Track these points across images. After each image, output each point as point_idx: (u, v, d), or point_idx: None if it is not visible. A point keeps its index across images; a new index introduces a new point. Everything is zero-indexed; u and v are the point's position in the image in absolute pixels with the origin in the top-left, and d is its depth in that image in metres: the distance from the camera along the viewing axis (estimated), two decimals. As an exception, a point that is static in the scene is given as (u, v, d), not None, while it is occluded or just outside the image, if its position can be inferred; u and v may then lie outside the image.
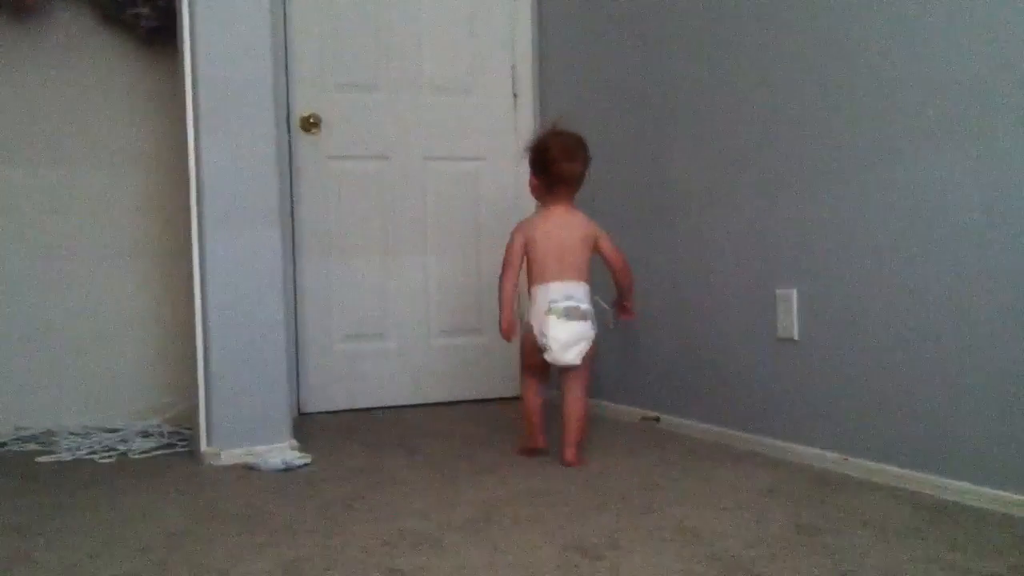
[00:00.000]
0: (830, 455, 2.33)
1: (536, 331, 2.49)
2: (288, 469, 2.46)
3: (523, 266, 2.62)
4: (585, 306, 2.50)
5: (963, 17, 1.98)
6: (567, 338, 2.45)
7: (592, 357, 2.55)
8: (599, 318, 2.63)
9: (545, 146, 2.61)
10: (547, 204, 2.63)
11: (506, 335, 2.58)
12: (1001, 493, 1.90)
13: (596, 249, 2.59)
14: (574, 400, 2.52)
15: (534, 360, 2.56)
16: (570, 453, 2.48)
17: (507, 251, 2.60)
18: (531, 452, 2.61)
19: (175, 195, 2.97)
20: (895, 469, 2.14)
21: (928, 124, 2.06)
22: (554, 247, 2.53)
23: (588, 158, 2.61)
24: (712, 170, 2.75)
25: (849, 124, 2.27)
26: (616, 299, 2.74)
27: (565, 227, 2.56)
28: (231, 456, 2.55)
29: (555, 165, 2.57)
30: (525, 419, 2.64)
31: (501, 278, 2.61)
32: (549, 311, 2.47)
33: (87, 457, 2.70)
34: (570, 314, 2.46)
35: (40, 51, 3.15)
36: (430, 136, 3.56)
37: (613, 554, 1.68)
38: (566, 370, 2.52)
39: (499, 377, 3.63)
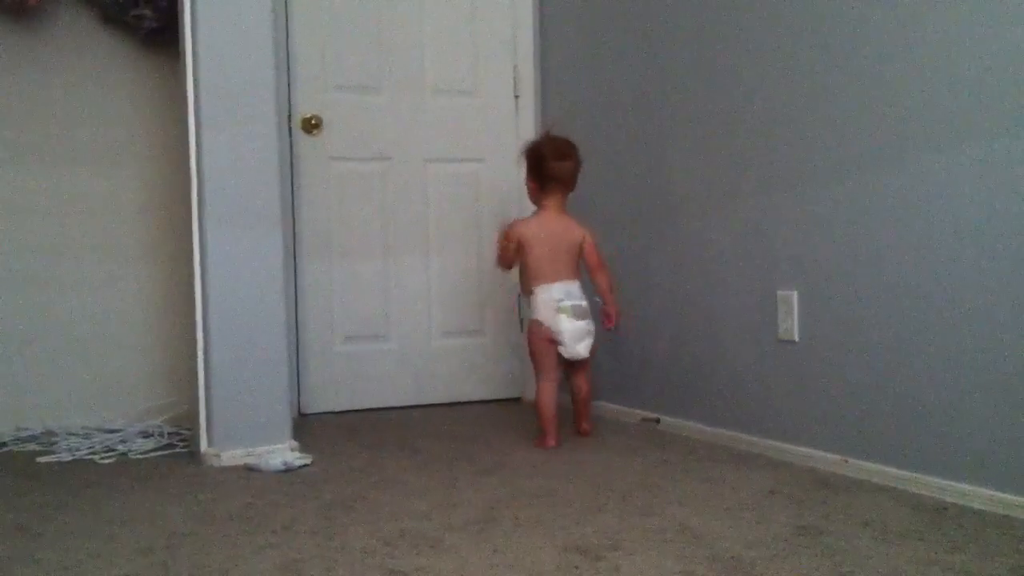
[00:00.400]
0: (831, 456, 2.33)
1: (550, 328, 2.72)
2: (288, 470, 2.46)
3: (515, 263, 2.88)
4: (585, 304, 2.77)
5: (964, 18, 1.98)
6: (578, 333, 2.72)
7: (593, 351, 2.82)
8: (597, 315, 2.84)
9: (538, 148, 2.84)
10: (541, 207, 2.83)
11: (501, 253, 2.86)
12: (1002, 495, 1.90)
13: (578, 251, 2.80)
14: (582, 382, 2.83)
15: (548, 356, 2.75)
16: (585, 427, 2.85)
17: (501, 249, 2.83)
18: (543, 446, 2.72)
19: (176, 196, 2.97)
20: (895, 470, 2.14)
21: (929, 125, 2.06)
22: (550, 249, 2.76)
23: (579, 160, 2.84)
24: (713, 171, 2.75)
25: (850, 125, 2.27)
26: (601, 310, 2.86)
27: (559, 230, 2.79)
28: (231, 457, 2.55)
29: (547, 164, 2.79)
30: (542, 420, 2.73)
31: (497, 259, 2.90)
32: (559, 310, 2.71)
33: (87, 457, 2.69)
34: (576, 312, 2.72)
35: (41, 52, 3.16)
36: (431, 137, 3.56)
37: (614, 555, 1.68)
38: (573, 363, 2.79)
39: (500, 378, 3.63)
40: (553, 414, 2.72)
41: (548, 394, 2.74)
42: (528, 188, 2.87)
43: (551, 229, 2.78)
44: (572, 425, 2.87)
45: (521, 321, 2.79)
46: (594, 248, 2.82)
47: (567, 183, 2.82)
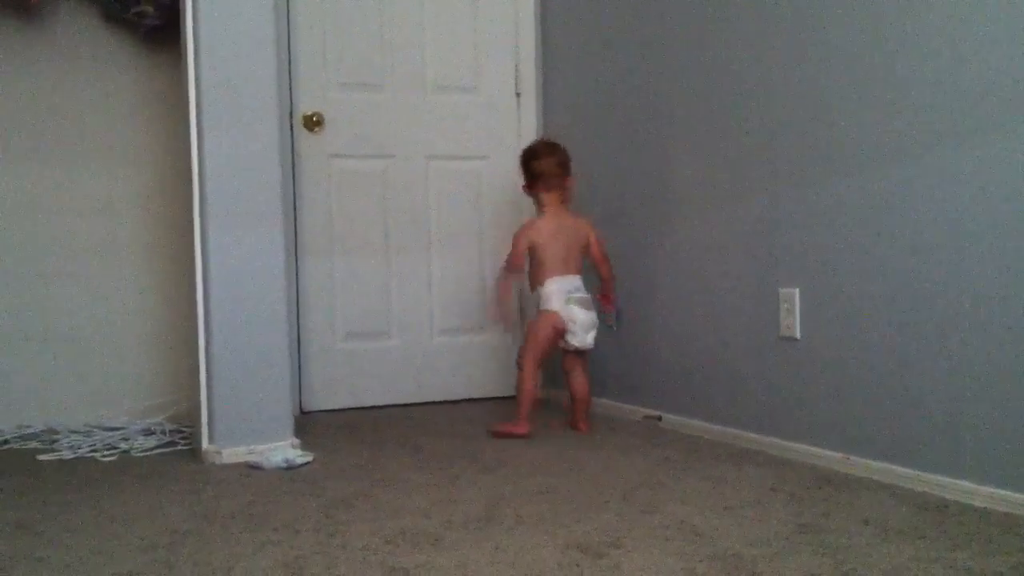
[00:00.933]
0: (832, 454, 2.33)
1: (564, 318, 2.86)
2: (290, 467, 2.47)
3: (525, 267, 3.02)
4: (590, 296, 2.93)
5: (964, 18, 1.98)
6: (588, 323, 2.89)
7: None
8: (601, 319, 2.99)
9: (525, 151, 3.05)
10: (545, 207, 2.97)
11: (507, 323, 3.09)
12: (1003, 492, 1.90)
13: (584, 246, 2.97)
14: (582, 381, 2.96)
15: (548, 346, 2.89)
16: (584, 425, 2.92)
17: (514, 252, 2.94)
18: (508, 436, 2.81)
19: (177, 193, 2.97)
20: (897, 468, 2.14)
21: (931, 124, 2.06)
22: (560, 246, 2.91)
23: (562, 156, 2.99)
24: (714, 169, 2.75)
25: (851, 124, 2.26)
26: (599, 292, 3.03)
27: (567, 228, 2.94)
28: (233, 454, 2.55)
29: (531, 163, 2.98)
30: (524, 404, 2.84)
31: (504, 275, 2.99)
32: (569, 301, 2.87)
33: (89, 455, 2.70)
34: (584, 303, 2.89)
35: (42, 50, 3.15)
36: (433, 135, 3.55)
37: (615, 552, 1.68)
38: (575, 355, 2.95)
39: (501, 375, 3.63)
40: (534, 399, 2.87)
41: (535, 381, 2.88)
42: (526, 192, 3.05)
43: (559, 226, 2.93)
44: (569, 423, 2.97)
45: (523, 320, 2.90)
46: (599, 242, 2.99)
47: (551, 178, 2.95)
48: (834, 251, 2.33)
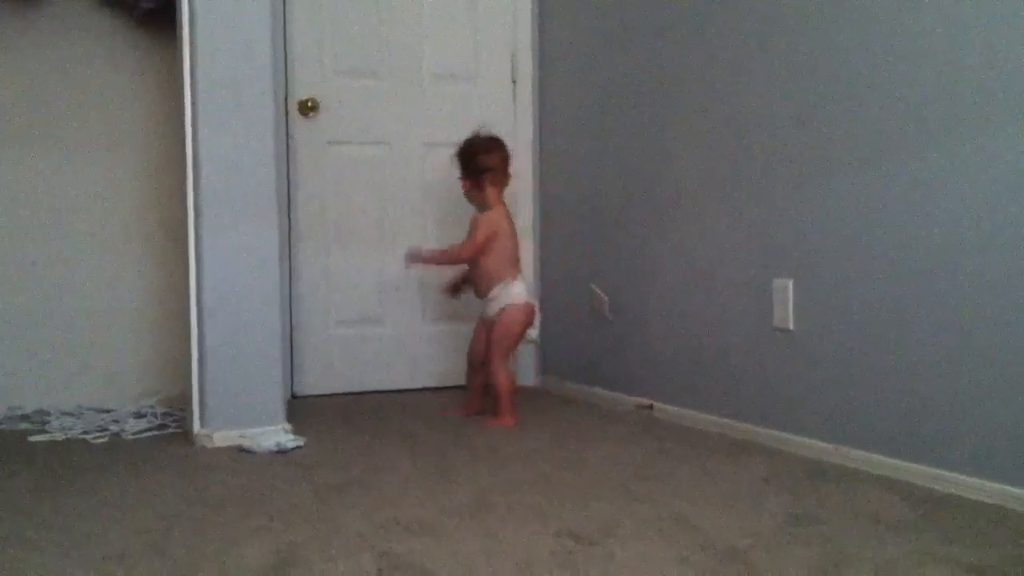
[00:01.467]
0: (825, 445, 2.33)
1: (534, 311, 2.93)
2: (281, 452, 2.46)
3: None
4: None
5: (962, 17, 1.97)
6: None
7: None
8: (599, 308, 3.02)
9: (476, 143, 2.96)
10: (494, 204, 2.93)
11: (413, 260, 3.03)
12: (996, 485, 1.91)
13: None
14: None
15: (520, 340, 2.97)
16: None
17: (475, 243, 2.89)
18: (507, 424, 2.84)
19: (173, 179, 2.95)
20: (890, 460, 2.15)
21: (926, 121, 2.06)
22: (513, 242, 2.95)
23: (509, 154, 2.97)
24: (711, 160, 2.74)
25: (847, 119, 2.26)
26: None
27: (512, 224, 2.97)
28: (224, 438, 2.55)
29: (483, 156, 2.93)
30: (506, 398, 2.87)
31: (451, 258, 3.01)
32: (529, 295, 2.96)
33: (80, 437, 2.68)
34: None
35: (36, 34, 3.11)
36: (430, 122, 3.53)
37: (608, 541, 1.68)
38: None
39: (494, 363, 3.63)
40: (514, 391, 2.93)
41: (509, 373, 2.92)
42: (465, 188, 2.96)
43: (510, 221, 2.95)
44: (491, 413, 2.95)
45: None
46: None
47: (499, 172, 2.93)
48: (828, 243, 2.33)
